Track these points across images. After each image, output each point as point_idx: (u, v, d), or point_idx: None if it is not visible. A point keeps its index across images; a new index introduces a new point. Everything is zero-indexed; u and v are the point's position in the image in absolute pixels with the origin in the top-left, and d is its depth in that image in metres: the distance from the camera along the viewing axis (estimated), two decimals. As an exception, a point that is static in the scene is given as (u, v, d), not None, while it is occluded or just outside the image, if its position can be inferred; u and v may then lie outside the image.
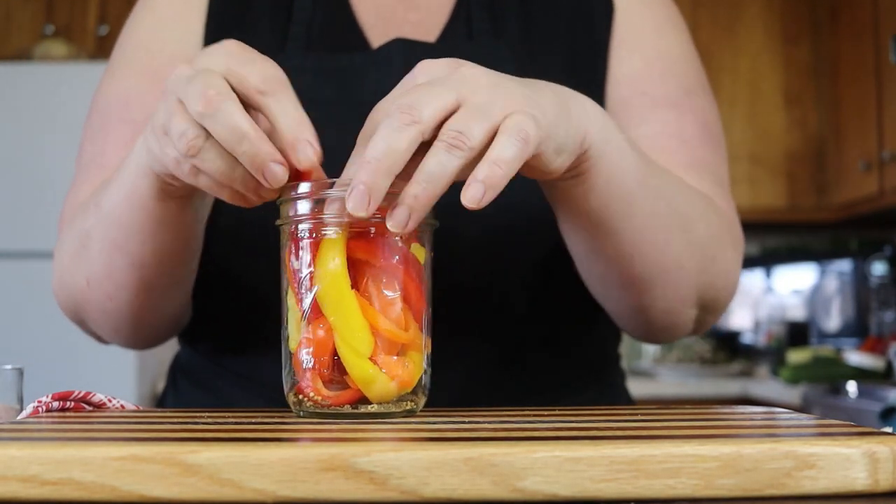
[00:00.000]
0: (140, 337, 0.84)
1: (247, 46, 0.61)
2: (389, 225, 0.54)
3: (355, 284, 0.57)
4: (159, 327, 0.84)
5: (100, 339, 0.88)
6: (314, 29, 0.86)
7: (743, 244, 0.85)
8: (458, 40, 0.86)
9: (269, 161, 0.56)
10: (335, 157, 0.81)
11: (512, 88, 0.57)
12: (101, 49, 3.02)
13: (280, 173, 0.56)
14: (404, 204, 0.54)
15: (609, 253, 0.72)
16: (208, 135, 0.57)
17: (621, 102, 0.86)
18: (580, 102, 0.62)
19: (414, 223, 0.54)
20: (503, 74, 0.59)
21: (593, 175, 0.64)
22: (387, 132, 0.54)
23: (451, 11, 0.88)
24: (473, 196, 0.54)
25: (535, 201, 0.75)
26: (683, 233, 0.74)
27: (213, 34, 0.88)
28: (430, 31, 0.88)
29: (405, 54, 0.83)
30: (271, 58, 0.82)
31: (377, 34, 0.87)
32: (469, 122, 0.54)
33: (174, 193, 0.67)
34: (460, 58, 0.80)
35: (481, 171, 0.54)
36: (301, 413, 0.58)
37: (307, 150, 0.57)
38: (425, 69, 0.60)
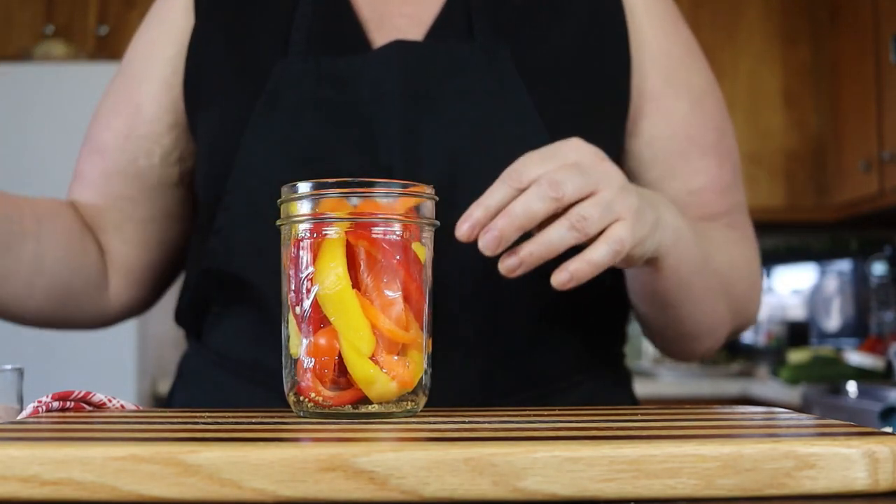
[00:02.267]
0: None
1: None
2: (502, 268, 0.65)
3: (356, 284, 0.57)
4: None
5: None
6: (315, 31, 0.87)
7: (761, 272, 0.97)
8: (453, 33, 0.86)
9: None
10: (334, 155, 0.81)
11: (631, 197, 0.68)
12: (101, 49, 3.02)
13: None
14: (518, 255, 0.65)
15: (666, 319, 0.85)
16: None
17: (679, 152, 0.91)
18: (663, 215, 0.73)
19: (521, 272, 0.65)
20: (627, 181, 0.69)
21: (662, 267, 0.76)
22: (532, 197, 0.64)
23: (443, 4, 0.88)
24: (560, 280, 0.66)
25: None
26: (727, 295, 0.87)
27: (210, 38, 0.90)
28: (425, 24, 0.88)
29: (400, 55, 0.83)
30: (273, 63, 0.85)
31: (373, 28, 0.88)
32: (594, 212, 0.65)
33: None
34: (459, 60, 0.82)
35: (575, 264, 0.66)
36: (301, 413, 0.58)
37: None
38: (577, 147, 0.68)
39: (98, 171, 0.94)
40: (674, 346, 0.92)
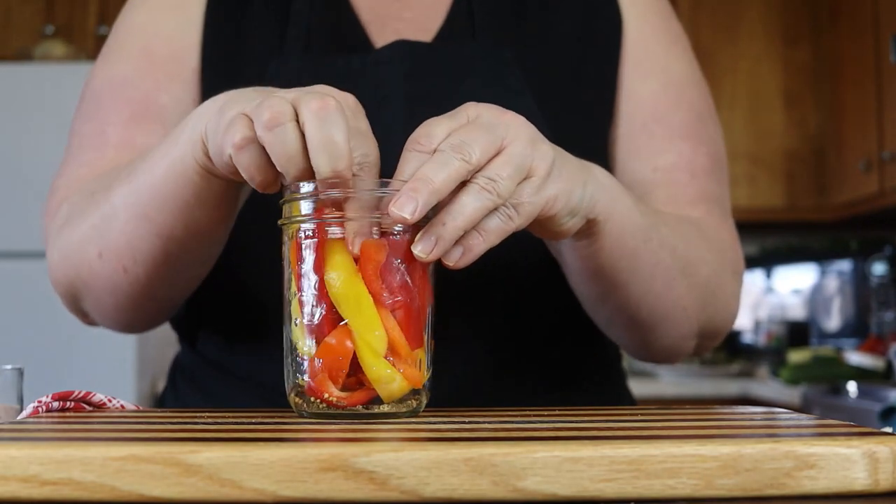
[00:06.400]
0: (137, 318, 0.82)
1: (359, 109, 0.63)
2: (416, 250, 0.57)
3: (369, 284, 0.56)
4: (160, 310, 0.82)
5: (87, 319, 0.86)
6: (313, 29, 0.86)
7: (743, 270, 0.89)
8: (457, 39, 0.86)
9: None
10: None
11: (544, 147, 0.61)
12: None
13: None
14: (430, 233, 0.57)
15: (616, 301, 0.77)
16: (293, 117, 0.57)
17: (642, 128, 0.88)
18: (595, 174, 0.67)
19: (439, 251, 0.57)
20: (539, 133, 0.62)
21: (602, 237, 0.69)
22: (440, 161, 0.57)
23: (447, 9, 0.88)
24: (453, 257, 0.59)
25: None
26: (686, 277, 0.79)
27: (213, 27, 0.88)
28: (426, 29, 0.87)
29: (405, 56, 0.83)
30: (268, 61, 0.82)
31: (374, 31, 0.87)
32: (503, 171, 0.58)
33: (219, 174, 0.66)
34: (462, 61, 0.80)
35: (469, 236, 0.59)
36: (304, 414, 0.58)
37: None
38: (475, 104, 0.62)
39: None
40: (632, 340, 0.83)
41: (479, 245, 0.59)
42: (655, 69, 0.89)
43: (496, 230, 0.59)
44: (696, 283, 0.80)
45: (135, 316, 0.82)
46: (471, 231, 0.58)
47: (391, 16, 0.88)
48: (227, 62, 0.87)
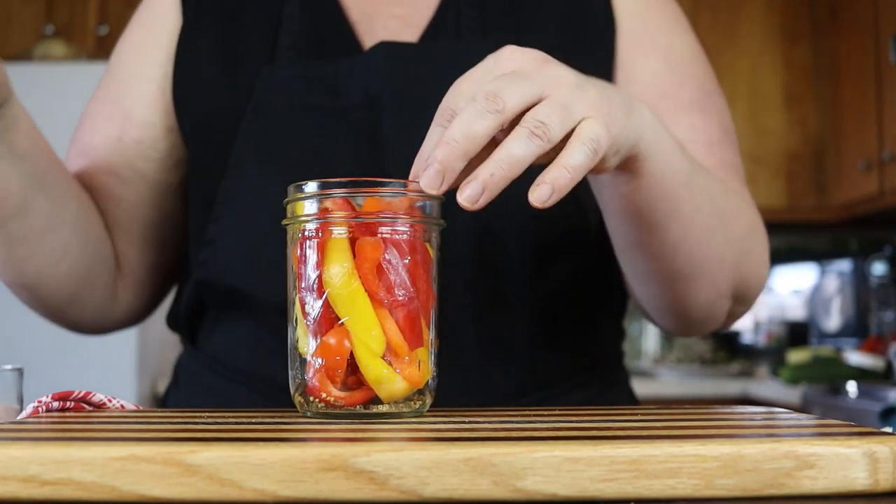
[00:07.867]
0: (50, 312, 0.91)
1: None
2: (461, 199, 0.54)
3: (367, 283, 0.57)
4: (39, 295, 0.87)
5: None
6: (303, 35, 0.86)
7: (767, 238, 0.88)
8: (445, 38, 0.86)
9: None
10: (326, 162, 0.81)
11: (590, 91, 0.58)
12: (101, 49, 3.02)
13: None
14: (478, 180, 0.54)
15: (653, 248, 0.74)
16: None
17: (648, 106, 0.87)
18: (638, 108, 0.64)
19: (485, 201, 0.54)
20: (582, 75, 0.59)
21: (642, 174, 0.66)
22: (469, 116, 0.55)
23: (436, 6, 0.88)
24: (540, 196, 0.55)
25: None
26: (723, 228, 0.78)
27: (197, 42, 0.90)
28: (415, 26, 0.88)
29: (390, 57, 0.83)
30: (260, 68, 0.84)
31: (363, 30, 0.87)
32: (552, 116, 0.55)
33: None
34: (447, 59, 0.81)
35: (551, 173, 0.55)
36: (308, 413, 0.58)
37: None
38: (511, 56, 0.59)
39: (86, 174, 0.92)
40: (667, 296, 0.80)
41: (566, 180, 0.55)
42: (656, 49, 0.89)
43: (582, 165, 0.56)
44: (733, 237, 0.79)
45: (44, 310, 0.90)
46: (556, 166, 0.55)
47: (380, 13, 0.88)
48: (217, 68, 0.88)
